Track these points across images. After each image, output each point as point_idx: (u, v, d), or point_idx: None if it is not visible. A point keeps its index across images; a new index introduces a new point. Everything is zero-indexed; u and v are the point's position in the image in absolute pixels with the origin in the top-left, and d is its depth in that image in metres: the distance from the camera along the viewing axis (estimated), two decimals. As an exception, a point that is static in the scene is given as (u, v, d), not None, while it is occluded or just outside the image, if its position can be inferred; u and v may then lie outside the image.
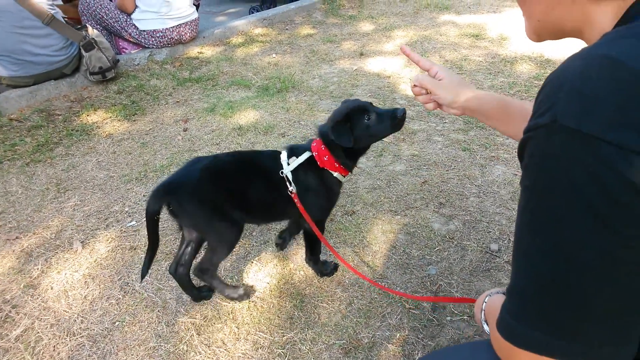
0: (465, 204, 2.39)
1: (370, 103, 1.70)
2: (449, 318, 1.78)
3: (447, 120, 3.19)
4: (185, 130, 3.30)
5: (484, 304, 1.04)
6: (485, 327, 1.00)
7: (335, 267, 2.01)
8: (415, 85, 1.38)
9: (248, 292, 1.91)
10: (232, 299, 1.88)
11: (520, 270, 0.68)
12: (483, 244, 2.13)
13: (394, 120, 1.65)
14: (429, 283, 1.94)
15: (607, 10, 0.71)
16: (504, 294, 1.03)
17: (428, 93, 1.35)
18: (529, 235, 0.66)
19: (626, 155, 0.54)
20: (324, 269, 1.99)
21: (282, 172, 1.70)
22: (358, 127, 1.64)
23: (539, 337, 0.65)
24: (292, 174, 1.70)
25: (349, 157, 1.72)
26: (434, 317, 1.78)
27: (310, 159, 1.72)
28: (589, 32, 0.76)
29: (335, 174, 1.72)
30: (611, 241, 0.58)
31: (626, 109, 0.55)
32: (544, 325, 0.65)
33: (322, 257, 2.00)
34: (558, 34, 0.83)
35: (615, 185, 0.56)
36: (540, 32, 0.87)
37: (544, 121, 0.61)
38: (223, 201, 1.66)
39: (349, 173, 1.76)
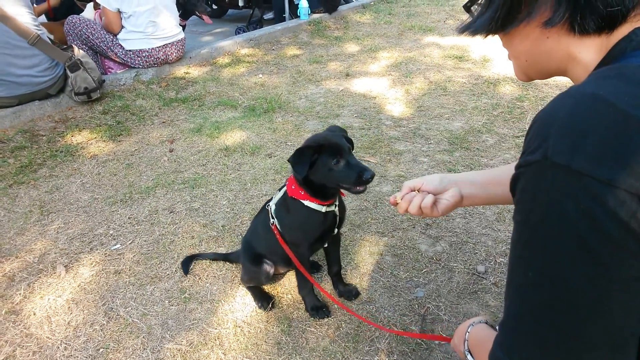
0: (452, 225, 2.40)
1: (350, 146, 1.63)
2: (437, 342, 1.77)
3: (432, 142, 3.22)
4: (171, 151, 3.29)
5: (467, 334, 1.05)
6: (470, 358, 1.00)
7: (326, 313, 1.91)
8: (402, 198, 1.32)
9: (265, 306, 1.94)
10: (256, 304, 1.98)
11: (512, 304, 0.70)
12: (470, 265, 2.14)
13: (358, 179, 1.54)
14: (416, 306, 1.94)
15: (591, 48, 0.74)
16: (487, 322, 1.04)
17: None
18: (521, 269, 0.67)
19: (615, 193, 0.56)
20: (312, 309, 1.91)
21: (267, 206, 1.84)
22: (322, 165, 1.57)
23: None
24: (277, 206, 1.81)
25: (314, 188, 1.65)
26: (422, 341, 1.78)
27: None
28: (573, 70, 0.79)
29: (307, 203, 1.67)
30: (603, 275, 0.59)
31: (615, 147, 0.57)
32: (537, 357, 0.65)
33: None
34: (545, 73, 0.85)
35: (606, 221, 0.57)
36: (528, 72, 0.88)
37: (535, 158, 0.63)
38: (258, 256, 1.93)
39: (330, 203, 1.70)
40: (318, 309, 1.90)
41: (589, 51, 0.74)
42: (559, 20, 0.72)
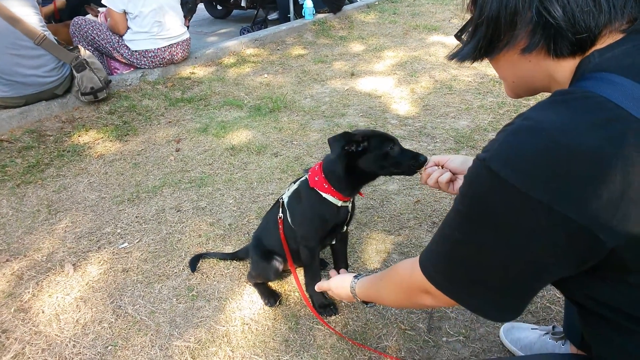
0: (458, 223, 2.40)
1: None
2: (444, 339, 1.77)
3: (438, 140, 3.22)
4: (177, 150, 3.30)
5: (353, 288, 1.43)
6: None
7: (333, 311, 1.91)
8: (425, 169, 1.50)
9: (273, 303, 1.96)
10: (263, 300, 1.99)
11: (445, 249, 0.91)
12: (477, 263, 2.13)
13: (415, 162, 1.58)
14: (424, 303, 1.94)
15: (566, 68, 0.85)
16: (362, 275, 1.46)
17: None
18: (453, 225, 0.88)
19: (528, 201, 0.71)
20: (319, 307, 1.91)
21: (281, 198, 1.85)
22: (376, 150, 1.61)
23: (451, 287, 0.91)
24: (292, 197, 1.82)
25: (350, 182, 1.68)
26: (429, 338, 1.78)
27: (306, 181, 1.74)
28: (554, 88, 0.88)
29: (326, 196, 1.68)
30: (509, 252, 0.78)
31: (537, 167, 0.71)
32: (457, 283, 0.90)
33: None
34: (532, 90, 0.97)
35: (520, 218, 0.74)
36: (516, 91, 1.00)
37: (481, 156, 0.78)
38: (268, 252, 1.94)
39: (348, 199, 1.72)
40: (326, 306, 1.90)
41: (564, 71, 0.84)
42: (534, 47, 0.82)
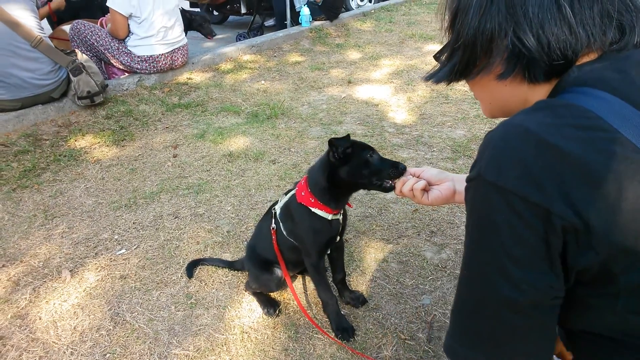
0: (456, 232, 2.41)
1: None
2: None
3: (435, 149, 3.24)
4: (175, 156, 3.29)
5: None
6: None
7: (351, 335, 1.83)
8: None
9: (272, 312, 1.95)
10: (262, 310, 1.98)
11: (456, 295, 0.85)
12: (475, 273, 2.14)
13: (394, 169, 1.54)
14: (423, 313, 1.95)
15: (541, 92, 0.85)
16: None
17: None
18: (463, 267, 0.82)
19: (530, 207, 0.69)
20: (338, 325, 1.85)
21: (273, 209, 1.86)
22: (357, 157, 1.59)
23: (465, 353, 0.82)
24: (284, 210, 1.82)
25: (334, 193, 1.67)
26: (429, 348, 1.78)
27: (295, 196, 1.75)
28: None
29: (315, 210, 1.68)
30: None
31: (530, 169, 0.69)
32: (468, 344, 0.82)
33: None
34: (507, 112, 0.96)
35: (524, 230, 0.70)
36: (492, 112, 1.01)
37: (472, 175, 0.76)
38: (266, 262, 1.94)
39: (337, 212, 1.71)
40: (344, 330, 1.84)
41: (540, 96, 0.85)
42: (509, 74, 0.83)
